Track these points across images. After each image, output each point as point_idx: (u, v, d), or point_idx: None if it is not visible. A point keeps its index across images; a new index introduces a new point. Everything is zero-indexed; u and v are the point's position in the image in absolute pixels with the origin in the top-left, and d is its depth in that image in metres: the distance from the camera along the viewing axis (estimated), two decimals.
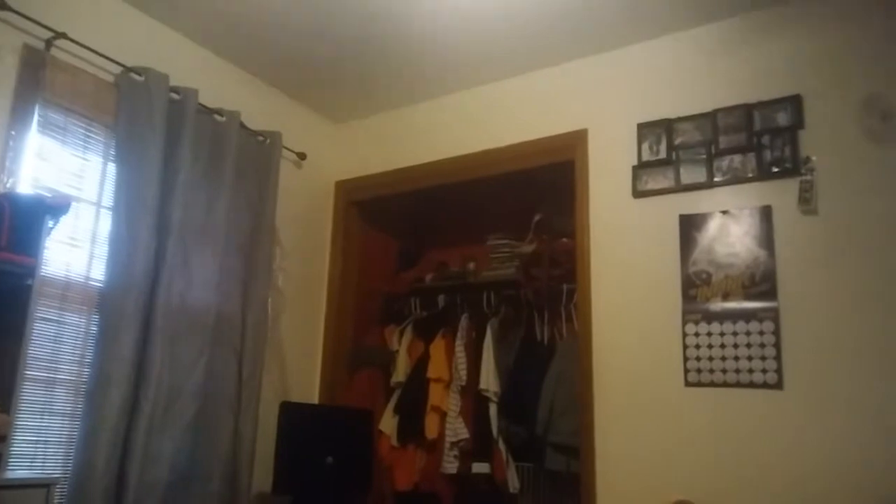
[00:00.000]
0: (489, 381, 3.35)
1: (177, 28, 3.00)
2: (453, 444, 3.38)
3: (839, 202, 2.39)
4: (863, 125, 2.41)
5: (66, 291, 2.52)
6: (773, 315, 2.41)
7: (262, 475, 2.98)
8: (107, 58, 2.66)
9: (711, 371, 2.49)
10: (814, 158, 2.44)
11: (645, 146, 2.82)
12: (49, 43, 2.49)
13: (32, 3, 2.42)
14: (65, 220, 2.28)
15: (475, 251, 3.84)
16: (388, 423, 3.65)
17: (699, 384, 2.51)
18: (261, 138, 3.27)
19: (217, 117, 3.05)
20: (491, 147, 3.24)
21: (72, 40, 2.54)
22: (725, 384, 2.45)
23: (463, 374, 3.43)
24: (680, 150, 2.74)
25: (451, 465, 3.37)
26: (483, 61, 3.17)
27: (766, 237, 2.49)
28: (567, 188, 2.99)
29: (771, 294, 2.44)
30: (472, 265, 3.81)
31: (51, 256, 2.42)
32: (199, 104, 2.93)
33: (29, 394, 2.34)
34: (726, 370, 2.46)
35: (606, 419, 2.68)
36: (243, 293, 3.04)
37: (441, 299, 3.80)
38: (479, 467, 3.31)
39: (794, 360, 2.36)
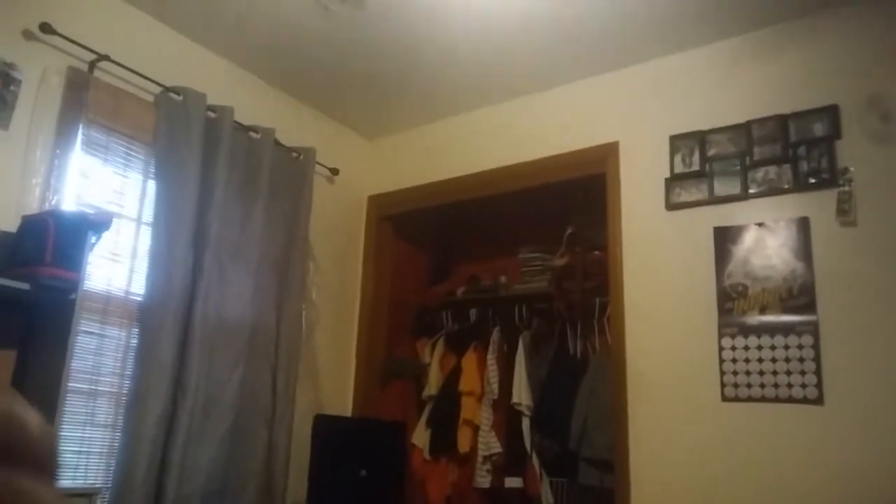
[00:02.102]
0: (521, 394, 3.33)
1: (213, 48, 3.08)
2: (486, 458, 3.36)
3: (879, 213, 2.34)
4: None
5: (108, 305, 2.58)
6: (813, 328, 2.36)
7: (296, 487, 3.00)
8: (147, 78, 2.74)
9: (749, 385, 2.44)
10: (852, 169, 2.40)
11: (677, 158, 2.79)
12: (92, 65, 2.57)
13: (77, 27, 2.51)
14: (106, 236, 2.34)
15: (507, 264, 3.83)
16: (420, 437, 3.65)
17: (736, 399, 2.46)
18: (295, 154, 3.33)
19: (252, 134, 3.11)
20: (522, 161, 3.24)
21: (114, 62, 2.62)
22: (763, 399, 2.40)
23: (495, 387, 3.42)
24: (713, 161, 2.71)
25: (483, 480, 3.36)
26: (513, 75, 3.18)
27: (804, 249, 2.44)
28: (599, 201, 2.97)
29: (810, 307, 2.39)
30: (503, 278, 3.80)
31: (93, 271, 2.48)
32: (235, 122, 2.99)
33: (72, 405, 2.40)
34: (764, 385, 2.41)
35: (641, 434, 2.64)
36: (278, 307, 3.09)
37: (473, 313, 3.80)
38: (512, 482, 3.29)
39: (834, 375, 2.30)
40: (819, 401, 2.31)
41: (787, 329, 2.41)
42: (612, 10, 2.66)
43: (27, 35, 2.41)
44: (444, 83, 3.29)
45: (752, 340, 2.47)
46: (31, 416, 0.45)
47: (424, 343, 3.90)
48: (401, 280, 3.88)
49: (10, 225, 2.19)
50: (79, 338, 2.32)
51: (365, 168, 3.86)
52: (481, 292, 3.85)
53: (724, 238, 2.61)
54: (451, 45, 2.95)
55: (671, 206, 2.77)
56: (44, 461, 0.45)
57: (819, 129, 2.50)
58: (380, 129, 3.83)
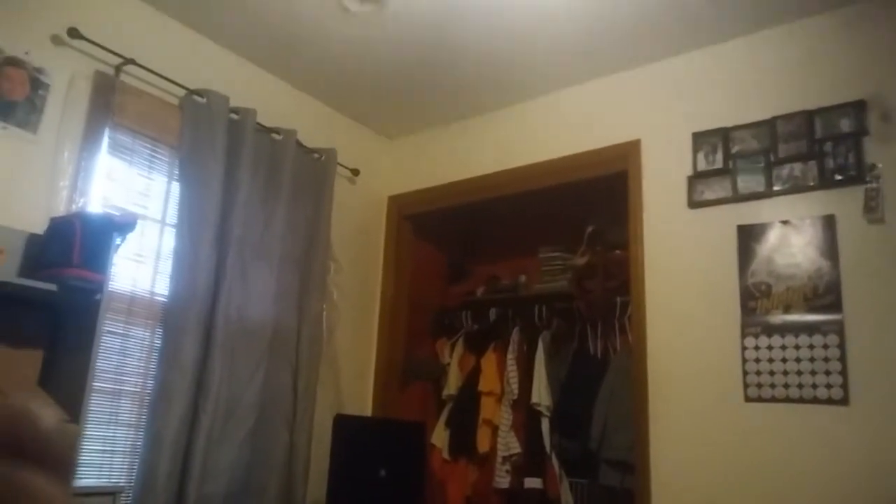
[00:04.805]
0: (541, 395, 3.32)
1: (236, 51, 3.11)
2: (505, 458, 3.36)
3: None
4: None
5: (132, 306, 2.62)
6: (838, 328, 2.32)
7: (316, 487, 3.02)
8: (171, 81, 2.77)
9: (773, 386, 2.40)
10: (879, 166, 2.35)
11: (700, 156, 2.76)
12: (118, 69, 2.61)
13: (103, 32, 2.55)
14: (131, 238, 2.37)
15: (526, 264, 3.82)
16: (439, 437, 3.66)
17: (760, 399, 2.43)
18: (316, 155, 3.35)
19: (274, 136, 3.14)
20: (543, 159, 3.23)
21: (139, 66, 2.66)
22: (788, 399, 2.37)
23: (514, 387, 3.41)
24: (737, 158, 2.67)
25: (503, 480, 3.35)
26: (534, 74, 3.17)
27: (830, 247, 2.40)
28: (621, 199, 2.95)
29: (835, 306, 2.35)
30: (523, 278, 3.80)
31: (118, 272, 2.52)
32: (258, 123, 3.02)
33: (97, 404, 2.43)
34: (788, 385, 2.38)
35: (662, 435, 2.62)
36: (299, 307, 3.11)
37: (492, 312, 3.79)
38: (532, 482, 3.28)
39: (860, 375, 2.26)
40: (844, 401, 2.26)
41: (811, 328, 2.37)
42: (634, 7, 2.64)
43: (56, 40, 2.45)
44: (465, 83, 3.29)
45: (776, 340, 2.43)
46: (46, 414, 0.46)
47: (444, 343, 3.91)
48: (421, 280, 3.89)
49: (39, 227, 2.23)
50: (104, 338, 2.35)
51: (385, 168, 3.87)
52: (501, 292, 3.85)
53: (748, 236, 2.58)
54: (471, 45, 2.95)
55: (694, 203, 2.74)
56: (55, 458, 0.45)
57: (846, 124, 2.45)
58: (400, 129, 3.85)
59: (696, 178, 2.76)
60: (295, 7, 2.76)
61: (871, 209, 2.33)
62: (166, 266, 2.71)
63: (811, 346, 2.36)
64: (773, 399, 2.40)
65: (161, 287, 2.70)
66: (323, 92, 3.47)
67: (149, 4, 2.78)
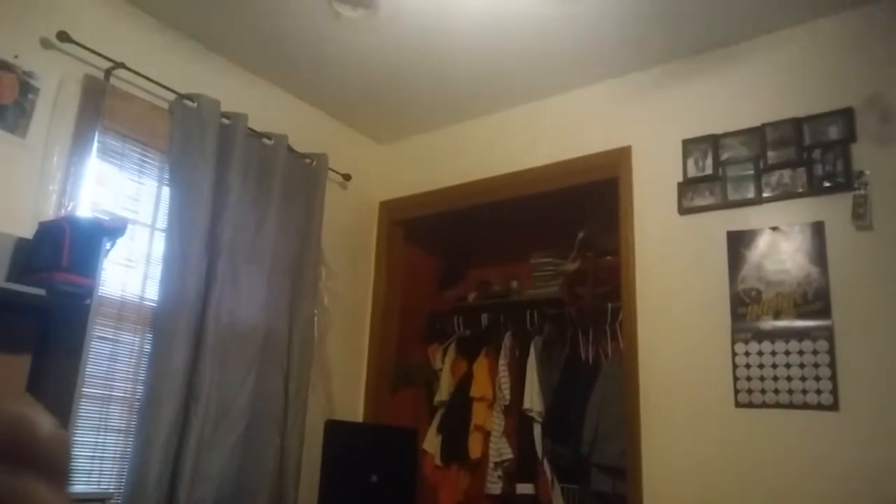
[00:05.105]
0: (533, 400, 3.32)
1: (228, 55, 3.10)
2: (497, 464, 3.36)
3: (895, 217, 2.31)
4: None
5: (122, 311, 2.60)
6: (828, 334, 2.34)
7: (307, 493, 3.01)
8: (162, 85, 2.76)
9: (763, 392, 2.42)
10: (867, 172, 2.38)
11: (690, 162, 2.78)
12: (108, 73, 2.60)
13: (93, 36, 2.54)
14: (121, 242, 2.36)
15: (518, 269, 3.83)
16: (431, 443, 3.65)
17: (750, 405, 2.44)
18: (307, 160, 3.34)
19: (265, 141, 3.13)
20: (534, 165, 3.24)
21: (130, 70, 2.65)
22: (778, 405, 2.38)
23: (506, 393, 3.41)
24: (727, 165, 2.69)
25: (494, 486, 3.35)
26: (525, 80, 3.18)
27: (819, 254, 2.42)
28: (611, 205, 2.96)
29: (825, 312, 2.36)
30: (514, 284, 3.80)
31: (108, 277, 2.50)
32: (249, 128, 3.02)
33: (86, 410, 2.41)
34: (779, 391, 2.39)
35: (653, 440, 2.62)
36: (290, 312, 3.10)
37: (484, 318, 3.80)
38: (524, 488, 3.28)
39: (850, 381, 2.27)
40: (834, 407, 2.28)
41: (801, 334, 2.39)
42: (626, 14, 2.65)
43: (45, 44, 2.44)
44: (456, 88, 3.29)
45: (766, 346, 2.45)
46: (43, 420, 0.46)
47: (436, 349, 3.91)
48: (412, 285, 3.89)
49: (27, 231, 2.21)
50: (93, 343, 2.32)
51: (377, 173, 3.87)
52: (493, 297, 3.85)
53: (738, 242, 2.59)
54: (462, 50, 2.96)
55: (684, 210, 2.76)
56: (53, 465, 0.45)
57: (834, 132, 2.48)
58: (392, 134, 3.85)
59: (687, 184, 2.77)
60: (287, 12, 2.75)
61: (860, 216, 2.36)
62: (156, 271, 2.69)
63: (801, 352, 2.37)
64: (764, 405, 2.41)
65: (151, 292, 2.68)
66: (314, 97, 3.46)
67: (139, 8, 2.77)
